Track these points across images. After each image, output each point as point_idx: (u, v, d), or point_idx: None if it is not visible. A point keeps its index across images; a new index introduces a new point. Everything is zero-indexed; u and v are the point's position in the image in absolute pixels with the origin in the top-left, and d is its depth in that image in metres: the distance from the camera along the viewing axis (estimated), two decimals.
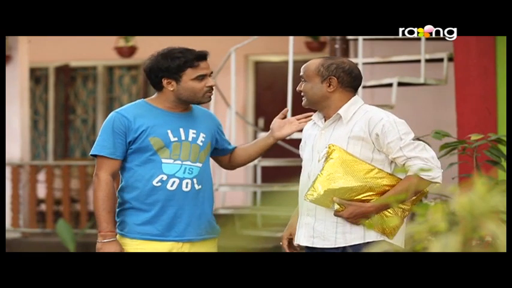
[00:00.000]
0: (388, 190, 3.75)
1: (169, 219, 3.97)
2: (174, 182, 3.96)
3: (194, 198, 3.99)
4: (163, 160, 3.95)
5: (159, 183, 3.96)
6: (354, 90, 3.90)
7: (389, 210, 3.76)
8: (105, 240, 3.93)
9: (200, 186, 4.00)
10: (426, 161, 3.71)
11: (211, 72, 4.04)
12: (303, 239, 3.89)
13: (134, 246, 3.99)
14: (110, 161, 3.98)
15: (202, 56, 3.97)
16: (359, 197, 3.74)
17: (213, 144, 4.12)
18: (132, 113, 3.99)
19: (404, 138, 3.73)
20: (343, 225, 3.78)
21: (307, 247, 3.88)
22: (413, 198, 3.82)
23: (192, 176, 3.98)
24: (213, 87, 4.03)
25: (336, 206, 3.77)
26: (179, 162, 3.96)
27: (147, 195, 3.98)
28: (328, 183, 3.73)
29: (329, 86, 3.83)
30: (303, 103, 3.94)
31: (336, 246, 3.79)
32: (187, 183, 3.97)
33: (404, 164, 3.73)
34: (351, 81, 3.86)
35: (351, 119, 3.81)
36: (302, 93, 3.92)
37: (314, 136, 3.92)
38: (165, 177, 3.95)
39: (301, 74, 3.92)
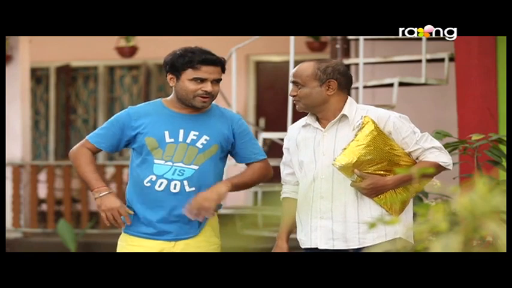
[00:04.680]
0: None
1: (157, 219, 3.97)
2: (162, 183, 3.95)
3: (184, 200, 3.95)
4: (156, 161, 3.96)
5: (149, 184, 3.97)
6: (348, 91, 3.95)
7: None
8: (101, 195, 3.96)
9: (193, 189, 3.96)
10: (440, 149, 3.85)
11: (217, 80, 3.95)
12: (321, 242, 3.87)
13: (129, 242, 4.03)
14: (92, 146, 4.05)
15: (208, 61, 3.91)
16: (381, 171, 3.80)
17: (223, 147, 4.05)
18: (138, 111, 4.03)
19: (416, 132, 3.85)
20: (364, 225, 3.79)
21: (325, 250, 3.87)
22: (424, 181, 3.98)
23: (183, 177, 3.95)
24: (212, 94, 3.94)
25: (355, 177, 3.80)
26: (170, 163, 3.95)
27: (139, 195, 4.01)
28: (360, 153, 3.77)
29: (328, 89, 3.84)
30: (297, 107, 3.92)
31: (360, 246, 3.81)
32: (175, 184, 3.95)
33: (419, 156, 3.84)
34: (347, 83, 3.90)
35: (354, 118, 3.85)
36: (297, 98, 3.89)
37: (314, 138, 3.90)
38: (154, 178, 3.96)
39: (294, 79, 3.89)
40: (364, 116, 3.82)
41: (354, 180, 3.79)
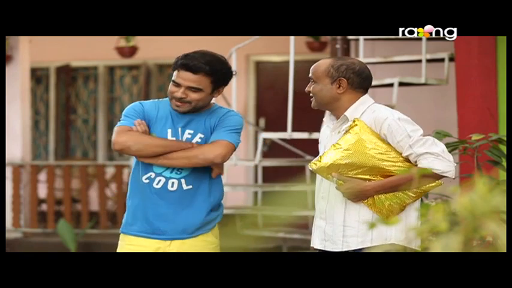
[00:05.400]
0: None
1: (154, 217, 3.99)
2: (160, 180, 3.98)
3: (181, 198, 3.98)
4: None
5: (147, 181, 3.99)
6: (364, 91, 3.86)
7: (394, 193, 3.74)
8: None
9: (191, 187, 3.98)
10: (437, 156, 3.67)
11: (194, 88, 3.89)
12: (317, 242, 3.88)
13: (126, 241, 4.05)
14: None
15: (185, 66, 3.88)
16: (366, 176, 3.73)
17: None
18: (149, 105, 4.04)
19: (412, 136, 3.70)
20: (352, 229, 3.77)
21: (320, 250, 3.87)
22: (423, 188, 3.77)
23: (180, 176, 3.97)
24: (185, 101, 3.90)
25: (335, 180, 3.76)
26: None
27: (137, 191, 4.03)
28: (335, 156, 3.72)
29: (339, 87, 3.79)
30: (312, 104, 3.89)
31: (344, 250, 3.76)
32: (173, 182, 3.97)
33: (416, 161, 3.70)
34: (360, 82, 3.82)
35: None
36: (311, 94, 3.89)
37: (326, 137, 3.91)
38: (153, 175, 3.98)
39: (310, 75, 3.86)
40: (354, 119, 3.76)
41: (334, 183, 3.76)
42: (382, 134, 3.74)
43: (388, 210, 3.74)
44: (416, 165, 3.72)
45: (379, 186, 3.71)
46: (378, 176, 3.73)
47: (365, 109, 3.80)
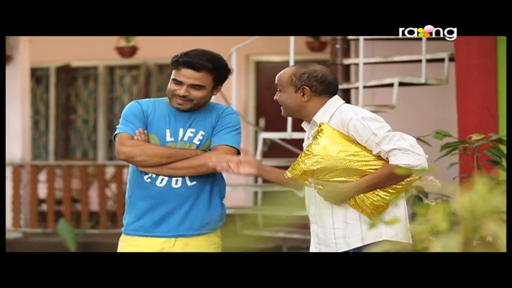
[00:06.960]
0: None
1: (159, 216, 3.99)
2: (162, 179, 3.98)
3: (185, 195, 3.99)
4: None
5: (149, 180, 4.00)
6: (330, 96, 3.83)
7: (375, 192, 3.73)
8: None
9: (194, 183, 3.99)
10: (405, 151, 3.63)
11: (196, 85, 3.91)
12: (312, 246, 3.90)
13: (129, 242, 4.04)
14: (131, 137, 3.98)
15: (187, 64, 3.89)
16: (342, 178, 3.72)
17: None
18: (147, 104, 4.04)
19: (378, 133, 3.67)
20: (340, 230, 3.77)
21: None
22: (403, 183, 3.74)
23: None
24: (188, 98, 3.92)
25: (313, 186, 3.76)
26: None
27: (139, 191, 4.03)
28: (307, 163, 3.72)
29: (303, 95, 3.79)
30: (282, 113, 3.92)
31: (338, 251, 3.77)
32: (177, 180, 3.98)
33: (387, 158, 3.68)
34: (324, 89, 3.80)
35: (329, 123, 3.77)
36: (279, 103, 3.90)
37: (304, 142, 3.93)
38: (154, 174, 3.98)
39: (276, 83, 3.88)
40: (320, 123, 3.75)
41: (313, 188, 3.77)
42: (350, 134, 3.73)
43: (371, 209, 3.73)
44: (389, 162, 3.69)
45: (355, 187, 3.71)
46: (354, 177, 3.72)
47: (333, 112, 3.79)
